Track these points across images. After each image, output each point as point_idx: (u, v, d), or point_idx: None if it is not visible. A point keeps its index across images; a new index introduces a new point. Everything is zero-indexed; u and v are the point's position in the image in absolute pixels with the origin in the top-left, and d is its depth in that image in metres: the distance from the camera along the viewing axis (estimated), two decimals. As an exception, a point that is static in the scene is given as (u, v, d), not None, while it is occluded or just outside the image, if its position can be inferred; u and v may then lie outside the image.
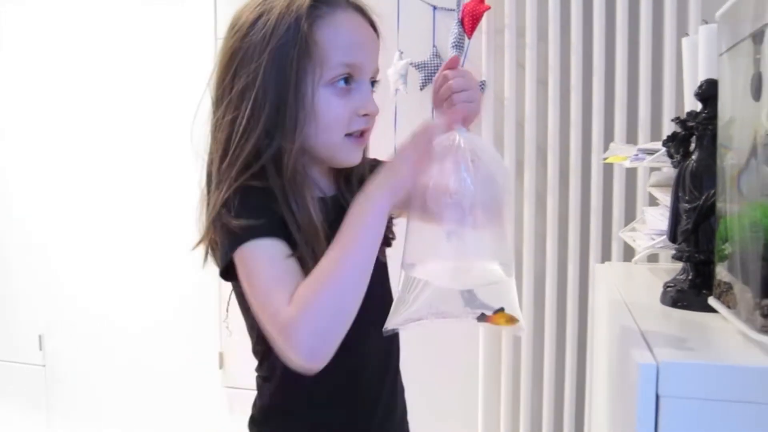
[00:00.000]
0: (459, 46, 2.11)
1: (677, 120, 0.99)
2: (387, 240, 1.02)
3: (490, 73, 2.21)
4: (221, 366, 2.80)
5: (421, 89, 2.34)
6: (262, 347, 0.98)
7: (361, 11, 0.94)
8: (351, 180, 0.99)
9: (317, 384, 0.96)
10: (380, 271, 1.04)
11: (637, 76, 2.06)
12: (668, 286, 1.01)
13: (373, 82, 0.95)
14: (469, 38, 2.13)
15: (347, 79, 0.90)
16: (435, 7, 2.33)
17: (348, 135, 0.92)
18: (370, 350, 1.00)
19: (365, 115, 0.92)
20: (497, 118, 2.23)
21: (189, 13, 2.77)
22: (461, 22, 2.12)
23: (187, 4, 2.77)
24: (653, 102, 2.05)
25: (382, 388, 1.03)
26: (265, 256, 0.85)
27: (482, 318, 0.86)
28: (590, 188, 2.12)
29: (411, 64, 2.31)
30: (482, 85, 2.20)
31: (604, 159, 1.55)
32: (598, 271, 1.56)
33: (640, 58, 2.04)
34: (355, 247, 0.81)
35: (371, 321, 1.01)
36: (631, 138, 2.07)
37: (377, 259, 0.94)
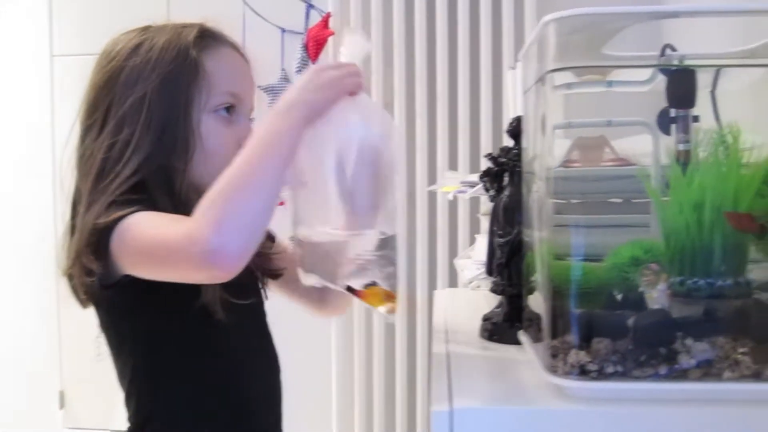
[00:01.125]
0: (303, 70, 2.09)
1: (489, 156, 1.01)
2: (274, 273, 1.02)
3: (338, 97, 2.20)
4: (62, 406, 2.61)
5: (269, 113, 2.30)
6: (137, 387, 0.93)
7: (240, 52, 0.99)
8: None
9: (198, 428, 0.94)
10: (258, 308, 1.03)
11: (478, 104, 2.12)
12: (485, 319, 1.02)
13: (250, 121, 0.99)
14: (314, 63, 2.12)
15: (229, 109, 0.93)
16: (284, 30, 2.30)
17: None
18: (250, 392, 0.97)
19: None
20: (345, 142, 2.22)
21: (22, 28, 2.61)
22: (305, 47, 2.10)
23: (20, 19, 2.61)
24: (494, 130, 2.12)
25: None
26: (149, 214, 0.82)
27: (352, 291, 0.82)
28: (436, 213, 2.15)
29: (259, 87, 2.27)
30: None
31: (441, 188, 1.58)
32: (437, 297, 1.58)
33: (481, 87, 2.11)
34: (261, 157, 0.77)
35: (250, 361, 0.99)
36: (475, 163, 2.12)
37: (258, 293, 1.00)
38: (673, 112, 0.84)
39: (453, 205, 2.15)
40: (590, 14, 0.67)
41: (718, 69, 0.91)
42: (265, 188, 0.76)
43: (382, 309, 0.84)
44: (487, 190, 1.06)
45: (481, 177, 1.05)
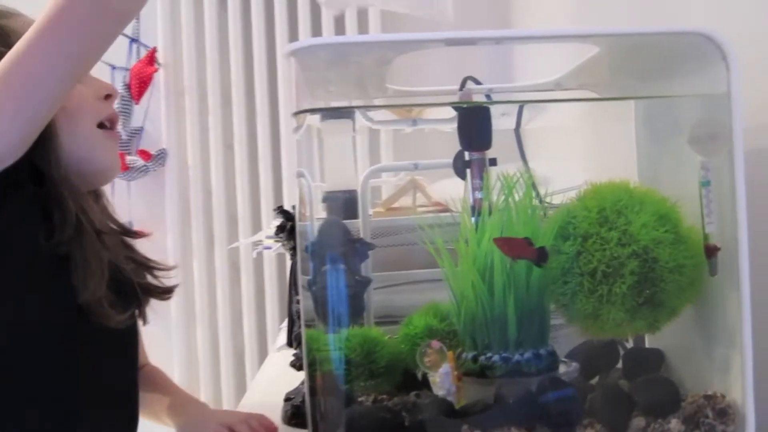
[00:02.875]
0: (125, 111, 1.90)
1: (279, 209, 0.88)
2: (161, 292, 0.87)
3: (172, 139, 2.03)
4: None
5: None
6: None
7: None
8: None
9: None
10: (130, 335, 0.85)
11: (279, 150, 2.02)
12: (288, 399, 0.88)
13: None
14: (137, 103, 1.94)
15: None
16: (113, 67, 2.11)
17: (100, 127, 0.83)
18: None
19: (108, 97, 0.85)
20: (182, 186, 2.04)
21: None
22: (128, 86, 1.92)
23: None
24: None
25: None
26: None
27: None
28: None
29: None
30: (162, 154, 2.00)
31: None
32: (274, 360, 1.43)
33: (281, 132, 2.01)
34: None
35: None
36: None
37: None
38: (467, 155, 0.73)
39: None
40: (333, 44, 0.55)
41: (522, 105, 0.82)
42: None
43: None
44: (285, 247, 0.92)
45: (276, 233, 0.91)
